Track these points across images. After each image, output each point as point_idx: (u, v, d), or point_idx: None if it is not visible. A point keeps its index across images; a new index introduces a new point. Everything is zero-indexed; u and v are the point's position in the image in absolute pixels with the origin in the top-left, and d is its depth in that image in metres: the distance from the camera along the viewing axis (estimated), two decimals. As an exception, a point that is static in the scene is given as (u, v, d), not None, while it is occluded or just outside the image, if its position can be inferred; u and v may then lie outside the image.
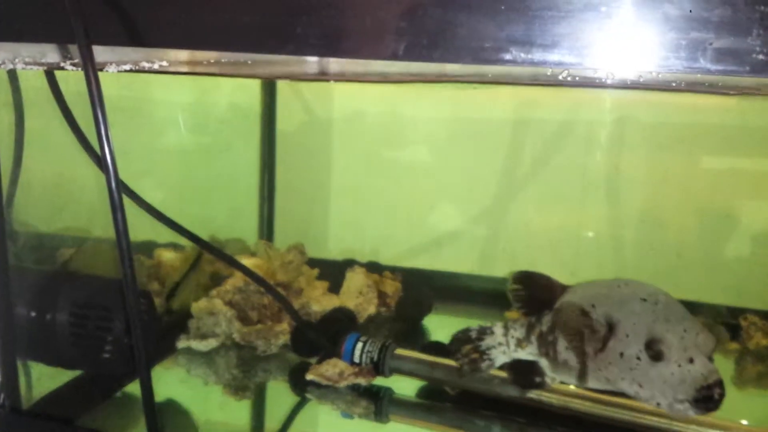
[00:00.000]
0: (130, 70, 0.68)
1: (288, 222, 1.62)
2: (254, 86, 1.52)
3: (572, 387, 0.94)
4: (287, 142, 1.59)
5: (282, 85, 1.57)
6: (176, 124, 1.33)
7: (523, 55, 0.50)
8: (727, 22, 0.52)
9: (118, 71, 0.69)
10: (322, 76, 0.92)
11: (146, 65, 0.68)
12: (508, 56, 0.51)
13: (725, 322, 1.30)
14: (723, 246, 1.39)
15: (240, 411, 1.03)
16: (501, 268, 1.51)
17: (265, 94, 1.55)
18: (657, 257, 1.41)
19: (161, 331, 1.15)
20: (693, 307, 1.29)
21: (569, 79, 0.59)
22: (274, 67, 0.89)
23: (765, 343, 1.26)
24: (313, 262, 1.44)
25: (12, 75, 0.76)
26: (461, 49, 0.52)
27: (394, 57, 0.54)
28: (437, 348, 1.10)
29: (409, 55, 0.53)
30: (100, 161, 0.63)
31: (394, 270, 1.45)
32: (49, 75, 0.74)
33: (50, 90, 0.74)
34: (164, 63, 0.68)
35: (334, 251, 1.61)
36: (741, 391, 1.18)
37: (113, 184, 0.62)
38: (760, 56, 0.52)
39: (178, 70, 0.72)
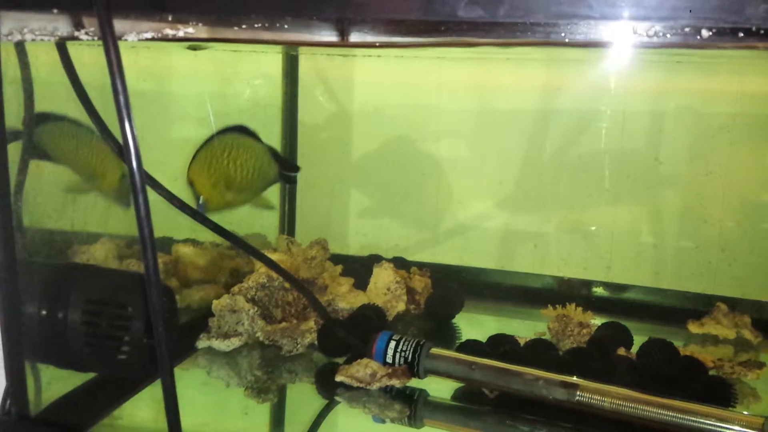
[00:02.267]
0: (152, 39, 0.62)
1: (310, 217, 1.56)
2: (276, 77, 1.46)
3: (625, 390, 0.87)
4: (309, 134, 1.54)
5: (304, 76, 1.51)
6: (191, 114, 1.27)
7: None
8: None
9: (138, 40, 0.62)
10: (344, 43, 0.86)
11: (170, 33, 0.61)
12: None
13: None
14: None
15: (263, 416, 0.97)
16: (532, 264, 1.44)
17: (286, 85, 1.49)
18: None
19: (183, 329, 1.09)
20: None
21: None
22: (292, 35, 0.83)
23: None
24: (337, 258, 1.39)
25: (20, 48, 0.70)
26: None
27: (452, 16, 0.47)
28: (474, 347, 1.04)
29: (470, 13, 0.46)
30: (115, 142, 0.57)
31: (421, 266, 1.39)
32: (61, 47, 0.68)
33: (62, 64, 0.68)
34: (190, 30, 0.62)
35: (354, 246, 1.55)
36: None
37: (134, 165, 0.56)
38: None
39: (201, 37, 0.66)
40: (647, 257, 1.37)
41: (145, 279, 0.61)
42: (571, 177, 1.42)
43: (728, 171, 1.31)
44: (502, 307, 1.38)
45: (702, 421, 0.83)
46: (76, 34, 0.64)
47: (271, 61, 1.44)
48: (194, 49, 0.93)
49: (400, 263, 1.38)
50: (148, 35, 0.63)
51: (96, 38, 0.60)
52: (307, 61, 1.48)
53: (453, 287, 1.30)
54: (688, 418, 0.84)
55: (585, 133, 1.40)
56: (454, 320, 1.27)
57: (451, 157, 1.51)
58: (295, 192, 1.52)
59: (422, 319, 1.26)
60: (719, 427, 0.82)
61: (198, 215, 0.85)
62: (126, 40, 0.67)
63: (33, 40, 0.66)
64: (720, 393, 0.91)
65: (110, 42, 0.55)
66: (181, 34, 0.63)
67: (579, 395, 0.87)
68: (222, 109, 1.28)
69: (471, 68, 1.45)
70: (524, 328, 1.23)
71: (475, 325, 1.27)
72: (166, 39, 0.62)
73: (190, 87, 1.26)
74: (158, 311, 0.60)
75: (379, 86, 1.53)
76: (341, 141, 1.56)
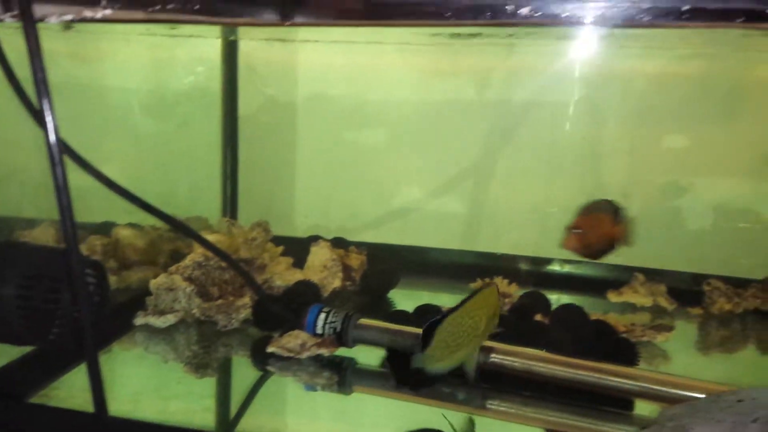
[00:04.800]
0: (72, 21, 0.65)
1: (253, 200, 1.59)
2: (215, 62, 1.49)
3: (534, 350, 0.93)
4: (250, 119, 1.57)
5: (244, 61, 1.54)
6: (127, 100, 1.29)
7: None
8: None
9: (59, 22, 0.65)
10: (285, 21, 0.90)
11: (89, 14, 0.65)
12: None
13: (688, 288, 1.31)
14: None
15: (199, 387, 1.00)
16: (467, 242, 1.50)
17: (225, 70, 1.51)
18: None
19: (118, 307, 1.12)
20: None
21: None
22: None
23: (728, 308, 1.27)
24: (280, 240, 1.42)
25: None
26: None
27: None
28: (401, 317, 1.09)
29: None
30: (36, 114, 0.60)
31: (360, 245, 1.44)
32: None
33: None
34: (107, 12, 0.65)
35: (302, 228, 1.59)
36: (705, 356, 1.18)
37: (52, 138, 0.59)
38: None
39: (122, 18, 0.69)
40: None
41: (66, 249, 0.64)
42: (505, 159, 1.48)
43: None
44: (437, 283, 1.44)
45: (605, 377, 0.90)
46: (2, 17, 0.66)
47: (210, 46, 1.46)
48: (68, 28, 0.93)
49: (340, 243, 1.43)
50: (69, 17, 0.66)
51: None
52: (246, 46, 1.51)
53: (387, 264, 1.35)
54: (593, 375, 0.90)
55: (515, 119, 1.46)
56: (389, 295, 1.32)
57: (392, 142, 1.56)
58: (237, 176, 1.55)
59: (358, 295, 1.31)
60: (621, 382, 0.89)
61: (126, 192, 0.88)
62: (48, 22, 0.70)
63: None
64: (624, 352, 0.97)
65: (29, 24, 0.58)
66: (99, 15, 0.66)
67: (493, 357, 0.93)
68: (156, 95, 1.30)
69: (416, 55, 1.50)
70: (455, 300, 1.28)
71: (409, 299, 1.32)
72: (85, 20, 0.65)
73: (124, 73, 1.28)
74: (79, 281, 0.63)
75: (323, 72, 1.57)
76: (285, 126, 1.59)
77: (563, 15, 0.82)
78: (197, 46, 1.42)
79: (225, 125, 1.52)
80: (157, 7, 0.77)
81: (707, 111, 1.37)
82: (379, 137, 1.57)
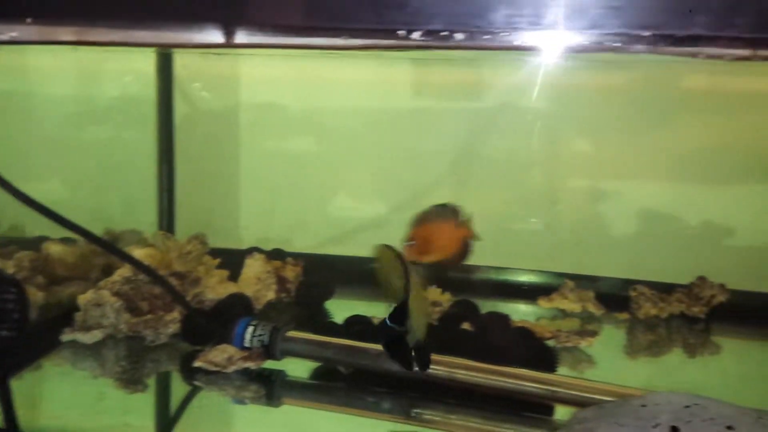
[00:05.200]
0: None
1: (192, 212, 1.58)
2: (148, 73, 1.47)
3: (458, 359, 0.95)
4: (188, 131, 1.56)
5: (179, 73, 1.53)
6: (56, 113, 1.28)
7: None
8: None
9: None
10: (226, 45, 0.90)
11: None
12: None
13: (616, 294, 1.34)
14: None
15: (128, 402, 0.99)
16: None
17: (160, 81, 1.50)
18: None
19: (46, 324, 1.11)
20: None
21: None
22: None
23: (654, 313, 1.30)
24: (223, 253, 1.41)
25: None
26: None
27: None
28: (330, 328, 1.10)
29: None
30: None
31: (300, 256, 1.44)
32: None
33: None
34: (14, 34, 0.65)
35: (248, 241, 1.58)
36: (633, 360, 1.22)
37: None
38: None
39: (31, 39, 0.68)
40: (506, 240, 1.47)
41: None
42: (443, 170, 1.50)
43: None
44: (374, 293, 1.44)
45: (525, 383, 0.92)
46: None
47: (143, 57, 1.45)
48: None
49: (277, 254, 1.43)
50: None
51: None
52: (182, 58, 1.50)
53: (322, 275, 1.36)
54: (513, 381, 0.92)
55: (453, 129, 1.48)
56: (325, 306, 1.33)
57: (333, 153, 1.57)
58: (173, 188, 1.54)
59: (293, 307, 1.32)
60: (540, 388, 0.92)
61: (43, 209, 0.87)
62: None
63: None
64: (545, 359, 1.00)
65: None
66: (5, 37, 0.66)
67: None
68: (87, 108, 1.29)
69: (359, 66, 1.51)
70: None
71: (345, 309, 1.33)
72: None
73: (51, 86, 1.26)
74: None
75: (265, 82, 1.56)
76: (226, 137, 1.59)
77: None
78: (129, 58, 1.41)
79: (161, 137, 1.51)
80: (82, 27, 0.77)
81: (633, 119, 1.41)
82: (321, 147, 1.58)
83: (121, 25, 0.84)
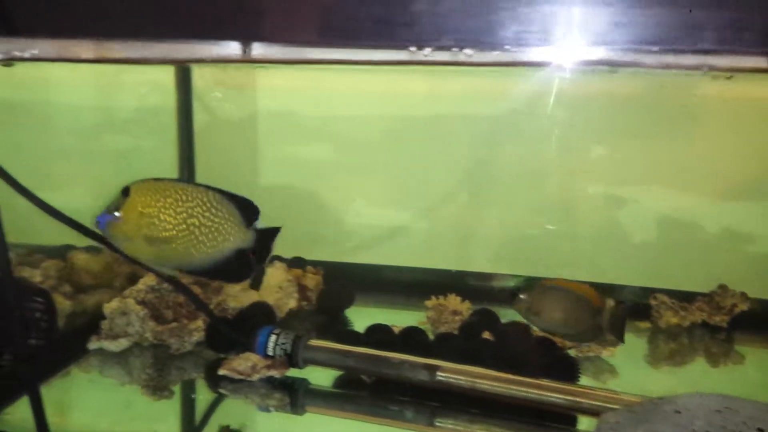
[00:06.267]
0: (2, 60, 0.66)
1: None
2: (167, 82, 1.49)
3: (479, 368, 0.95)
4: (208, 140, 1.57)
5: (198, 81, 1.54)
6: (77, 123, 1.30)
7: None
8: None
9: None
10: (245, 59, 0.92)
11: (17, 54, 0.66)
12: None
13: (636, 302, 1.34)
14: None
15: (152, 409, 1.01)
16: (423, 259, 1.52)
17: (180, 92, 1.52)
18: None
19: (73, 332, 1.12)
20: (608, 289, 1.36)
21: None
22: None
23: (675, 321, 1.30)
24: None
25: None
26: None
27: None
28: (352, 337, 1.11)
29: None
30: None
31: (317, 265, 1.45)
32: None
33: None
34: (35, 51, 0.66)
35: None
36: (655, 369, 1.21)
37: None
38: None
39: (50, 57, 0.70)
40: (525, 249, 1.47)
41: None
42: (458, 177, 1.50)
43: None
44: (394, 300, 1.46)
45: (547, 394, 0.92)
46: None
47: (162, 68, 1.47)
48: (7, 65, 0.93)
49: (298, 263, 1.44)
50: (-1, 56, 0.67)
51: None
52: (199, 68, 1.52)
53: (343, 283, 1.37)
54: (535, 391, 0.93)
55: (470, 138, 1.49)
56: (345, 314, 1.34)
57: (350, 161, 1.58)
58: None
59: (314, 315, 1.33)
60: (562, 398, 0.92)
61: (57, 213, 0.89)
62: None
63: None
64: (567, 368, 1.00)
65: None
66: (27, 54, 0.67)
67: (439, 375, 0.95)
68: (106, 119, 1.30)
69: (374, 76, 1.52)
70: (411, 318, 1.30)
71: (365, 317, 1.34)
72: (13, 59, 0.66)
73: (71, 97, 1.28)
74: (15, 310, 0.64)
75: (282, 91, 1.58)
76: (244, 146, 1.60)
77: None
78: (148, 69, 1.42)
79: (181, 146, 1.53)
80: (103, 45, 0.79)
81: (653, 127, 1.41)
82: (339, 155, 1.59)
83: (141, 40, 0.86)
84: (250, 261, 0.98)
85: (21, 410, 0.93)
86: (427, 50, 0.77)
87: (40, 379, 0.70)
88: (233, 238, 0.96)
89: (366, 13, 0.77)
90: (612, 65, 0.77)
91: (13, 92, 1.07)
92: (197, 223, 0.93)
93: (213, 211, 0.94)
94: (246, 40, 0.90)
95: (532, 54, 0.79)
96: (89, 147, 1.18)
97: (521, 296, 1.10)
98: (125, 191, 0.90)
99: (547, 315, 1.07)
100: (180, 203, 0.93)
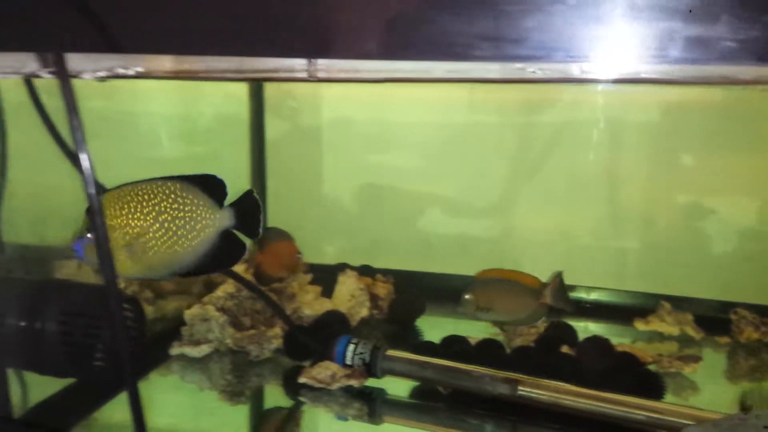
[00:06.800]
0: (105, 77, 0.69)
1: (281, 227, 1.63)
2: (241, 94, 1.53)
3: (561, 383, 0.94)
4: (277, 150, 1.60)
5: (270, 92, 1.57)
6: (160, 134, 1.34)
7: (492, 50, 0.51)
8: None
9: (94, 78, 0.69)
10: (310, 76, 0.93)
11: (121, 71, 0.68)
12: (477, 52, 0.51)
13: (713, 316, 1.31)
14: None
15: (233, 416, 1.03)
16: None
17: (252, 102, 1.55)
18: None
19: (155, 337, 1.15)
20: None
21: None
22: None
23: (756, 337, 1.26)
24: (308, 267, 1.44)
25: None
26: (434, 47, 0.53)
27: (369, 56, 0.55)
28: (429, 348, 1.11)
29: (384, 54, 0.54)
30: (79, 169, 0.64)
31: (386, 273, 1.45)
32: (28, 83, 0.75)
33: (30, 98, 0.75)
34: (139, 69, 0.69)
35: (330, 255, 1.62)
36: (735, 386, 1.18)
37: (91, 188, 0.62)
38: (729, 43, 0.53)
39: (153, 74, 0.73)
40: (599, 259, 1.45)
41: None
42: (529, 184, 1.49)
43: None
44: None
45: (632, 411, 0.91)
46: (39, 72, 0.70)
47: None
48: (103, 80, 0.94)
49: (367, 271, 1.45)
50: (102, 74, 0.69)
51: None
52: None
53: (414, 292, 1.37)
54: (620, 408, 0.91)
55: (536, 145, 1.48)
56: (416, 324, 1.34)
57: (415, 169, 1.58)
58: (265, 205, 1.59)
59: (385, 324, 1.33)
60: (648, 416, 0.90)
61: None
62: (82, 78, 0.74)
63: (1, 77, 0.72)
64: (651, 385, 0.98)
65: (65, 82, 0.62)
66: (131, 72, 0.70)
67: (520, 390, 0.95)
68: (188, 129, 1.34)
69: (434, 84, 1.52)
70: (484, 329, 1.30)
71: (436, 327, 1.34)
72: (117, 76, 0.69)
73: (155, 107, 1.32)
74: (118, 320, 0.66)
75: (347, 101, 1.60)
76: (311, 155, 1.63)
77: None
78: (225, 84, 1.46)
79: (253, 155, 1.56)
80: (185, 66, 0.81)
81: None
82: (403, 162, 1.60)
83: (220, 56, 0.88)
84: (238, 239, 0.94)
85: (108, 416, 0.97)
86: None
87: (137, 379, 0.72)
88: (210, 221, 0.91)
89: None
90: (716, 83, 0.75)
91: (104, 104, 1.10)
92: (169, 218, 0.88)
93: (180, 200, 0.89)
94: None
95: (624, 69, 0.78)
96: (172, 155, 1.22)
97: (466, 297, 1.14)
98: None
99: (497, 308, 1.12)
100: (145, 203, 0.87)
